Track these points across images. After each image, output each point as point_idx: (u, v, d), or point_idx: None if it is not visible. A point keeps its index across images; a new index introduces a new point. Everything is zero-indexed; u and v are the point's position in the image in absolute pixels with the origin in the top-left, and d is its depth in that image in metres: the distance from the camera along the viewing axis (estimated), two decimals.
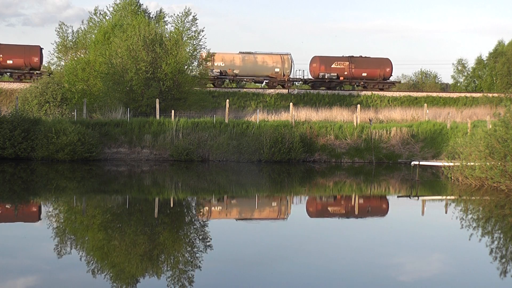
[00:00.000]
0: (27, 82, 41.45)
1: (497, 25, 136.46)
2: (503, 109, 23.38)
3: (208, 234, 13.01)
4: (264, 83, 50.03)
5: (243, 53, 48.35)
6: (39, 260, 10.56)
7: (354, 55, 51.01)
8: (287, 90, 48.54)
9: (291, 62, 49.52)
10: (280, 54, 49.67)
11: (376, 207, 17.77)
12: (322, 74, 49.54)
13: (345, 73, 49.92)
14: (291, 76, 50.14)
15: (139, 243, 11.75)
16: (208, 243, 11.92)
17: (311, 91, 49.26)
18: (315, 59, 50.42)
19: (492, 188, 19.87)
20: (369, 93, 49.75)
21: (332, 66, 49.70)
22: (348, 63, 50.14)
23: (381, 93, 51.04)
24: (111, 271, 9.97)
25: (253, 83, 50.42)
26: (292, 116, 30.67)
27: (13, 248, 11.35)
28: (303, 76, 51.70)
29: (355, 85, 51.77)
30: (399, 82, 54.50)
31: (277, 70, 48.88)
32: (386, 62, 51.40)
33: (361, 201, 19.12)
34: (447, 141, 28.20)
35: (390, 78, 51.73)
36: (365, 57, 51.41)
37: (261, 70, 48.53)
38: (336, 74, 49.74)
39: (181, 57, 32.48)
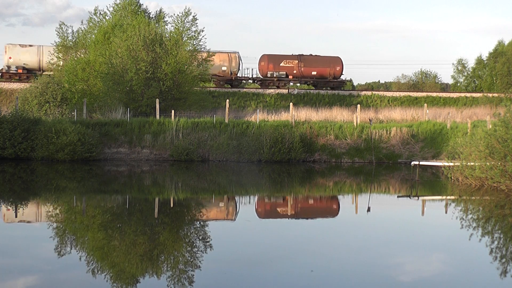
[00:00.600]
0: (27, 82, 41.46)
1: (497, 25, 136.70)
2: (503, 109, 23.39)
3: (208, 234, 13.01)
4: (211, 82, 49.43)
5: None
6: (39, 260, 10.56)
7: (304, 54, 50.21)
8: (287, 90, 48.52)
9: (239, 60, 48.70)
10: (227, 53, 48.60)
11: (376, 207, 17.75)
12: (270, 72, 48.77)
13: (294, 71, 49.20)
14: (239, 75, 49.47)
15: (139, 243, 11.75)
16: (208, 243, 11.92)
17: (311, 91, 49.23)
18: (263, 58, 49.42)
19: (492, 188, 19.87)
20: (369, 93, 49.76)
21: (281, 64, 48.93)
22: (297, 61, 49.31)
23: (381, 93, 51.06)
24: (111, 271, 9.97)
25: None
26: (292, 116, 30.69)
27: (13, 248, 11.35)
28: (252, 75, 50.98)
29: (306, 84, 51.12)
30: (350, 80, 53.85)
31: (224, 68, 47.95)
32: (336, 61, 50.43)
33: (361, 201, 19.11)
34: (447, 141, 28.22)
35: (340, 77, 50.87)
36: (315, 55, 50.51)
37: None
38: (285, 72, 49.00)
39: (181, 57, 32.50)
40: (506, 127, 19.97)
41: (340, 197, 20.18)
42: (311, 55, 50.42)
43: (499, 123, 20.68)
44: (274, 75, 48.58)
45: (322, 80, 50.08)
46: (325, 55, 51.27)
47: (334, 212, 17.13)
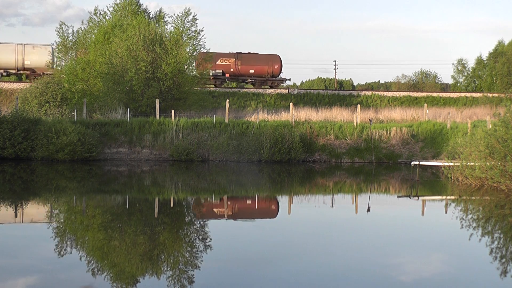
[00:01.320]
0: (27, 82, 41.48)
1: (497, 25, 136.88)
2: (503, 109, 23.41)
3: (208, 234, 13.01)
4: None
5: None
6: (39, 260, 10.55)
7: (242, 51, 49.60)
8: (287, 90, 48.49)
9: None
10: None
11: (376, 207, 17.75)
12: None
13: (231, 70, 48.54)
14: None
15: (139, 243, 11.75)
16: (208, 243, 11.92)
17: (311, 91, 49.21)
18: (199, 55, 48.56)
19: (492, 188, 19.87)
20: (369, 93, 49.76)
21: (217, 62, 48.06)
22: (234, 59, 48.64)
23: (381, 93, 51.07)
24: (111, 271, 9.97)
25: None
26: (292, 116, 30.69)
27: (13, 248, 11.35)
28: None
29: (244, 83, 50.37)
30: (289, 79, 52.73)
31: None
32: (274, 59, 49.62)
33: (361, 201, 19.10)
34: (447, 141, 28.24)
35: (280, 75, 49.93)
36: (253, 53, 49.76)
37: None
38: (221, 70, 48.23)
39: (181, 57, 32.52)
40: (506, 127, 19.96)
41: (340, 196, 20.16)
42: (249, 53, 49.68)
43: (499, 123, 20.67)
44: (210, 73, 46.83)
45: (260, 79, 49.40)
46: (263, 53, 50.48)
47: (334, 211, 17.11)
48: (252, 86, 50.02)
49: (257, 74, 49.29)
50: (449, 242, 12.81)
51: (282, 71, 49.94)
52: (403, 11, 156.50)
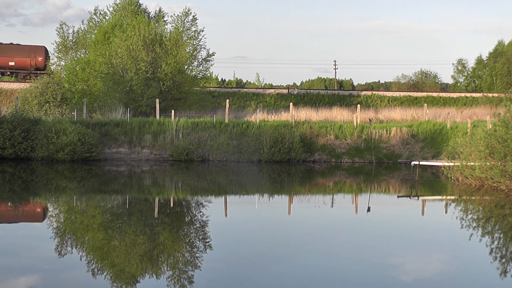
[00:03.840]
0: (27, 82, 41.49)
1: (497, 25, 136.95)
2: (503, 109, 23.40)
3: (208, 234, 13.00)
4: None
5: None
6: (39, 260, 10.55)
7: (3, 42, 48.39)
8: (287, 90, 48.50)
9: None
10: None
11: (376, 207, 17.75)
12: None
13: None
14: None
15: (139, 243, 11.75)
16: (208, 243, 11.92)
17: (311, 91, 49.20)
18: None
19: (492, 188, 19.87)
20: (369, 93, 49.78)
21: None
22: None
23: (381, 93, 51.09)
24: (111, 271, 9.97)
25: None
26: (292, 116, 30.69)
27: (14, 248, 11.35)
28: None
29: (1, 75, 48.94)
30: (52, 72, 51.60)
31: None
32: (38, 50, 48.22)
33: (361, 201, 19.10)
34: (447, 141, 28.24)
35: (45, 69, 47.39)
36: (16, 44, 48.40)
37: None
38: None
39: (181, 57, 32.54)
40: (506, 127, 19.97)
41: (340, 196, 20.16)
42: (11, 43, 48.43)
43: (499, 123, 20.67)
44: None
45: (23, 71, 47.99)
46: (27, 44, 49.06)
47: (334, 212, 17.12)
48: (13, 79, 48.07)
49: (18, 67, 47.80)
50: (449, 242, 12.81)
51: (46, 63, 47.21)
52: (403, 11, 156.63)
